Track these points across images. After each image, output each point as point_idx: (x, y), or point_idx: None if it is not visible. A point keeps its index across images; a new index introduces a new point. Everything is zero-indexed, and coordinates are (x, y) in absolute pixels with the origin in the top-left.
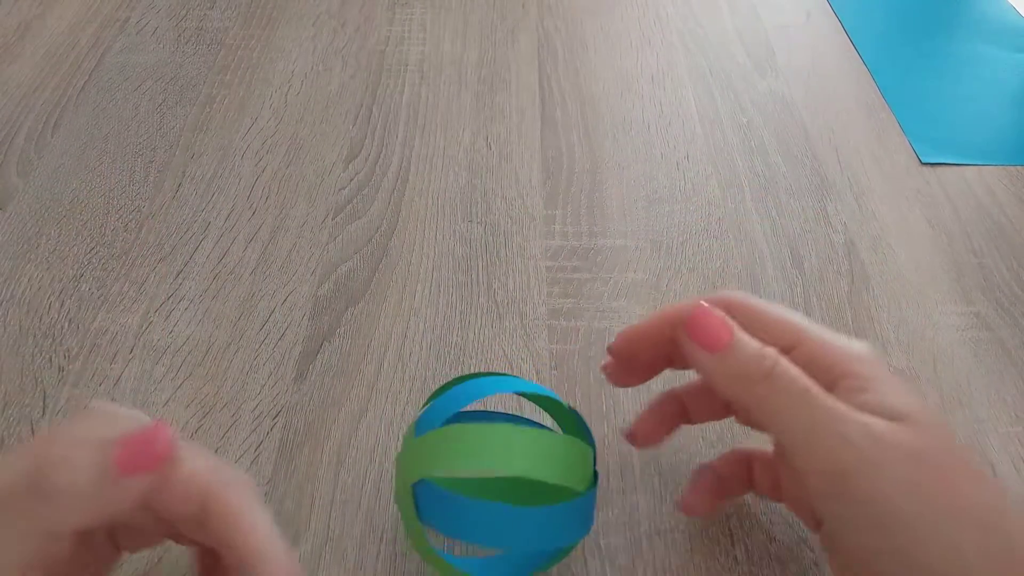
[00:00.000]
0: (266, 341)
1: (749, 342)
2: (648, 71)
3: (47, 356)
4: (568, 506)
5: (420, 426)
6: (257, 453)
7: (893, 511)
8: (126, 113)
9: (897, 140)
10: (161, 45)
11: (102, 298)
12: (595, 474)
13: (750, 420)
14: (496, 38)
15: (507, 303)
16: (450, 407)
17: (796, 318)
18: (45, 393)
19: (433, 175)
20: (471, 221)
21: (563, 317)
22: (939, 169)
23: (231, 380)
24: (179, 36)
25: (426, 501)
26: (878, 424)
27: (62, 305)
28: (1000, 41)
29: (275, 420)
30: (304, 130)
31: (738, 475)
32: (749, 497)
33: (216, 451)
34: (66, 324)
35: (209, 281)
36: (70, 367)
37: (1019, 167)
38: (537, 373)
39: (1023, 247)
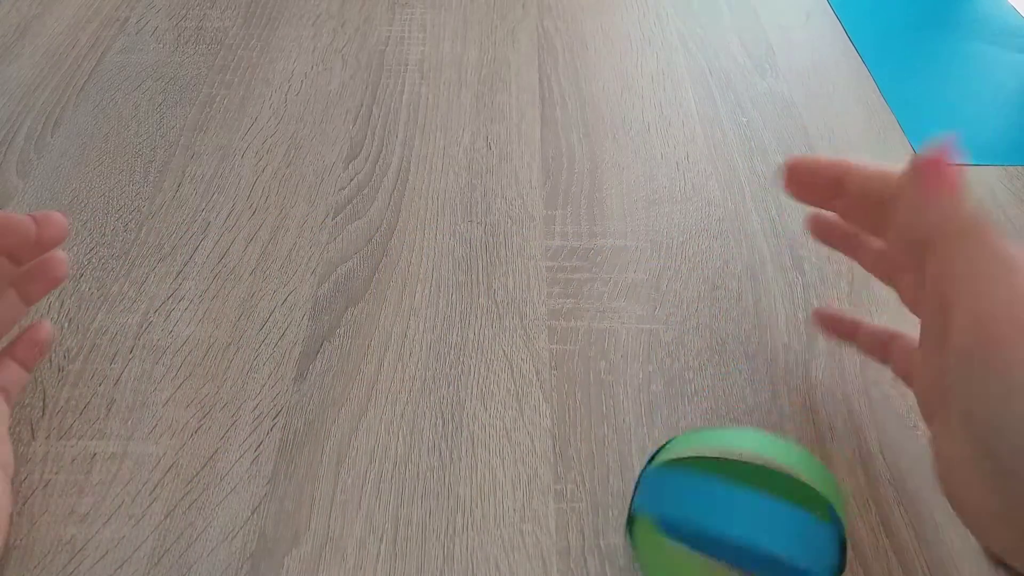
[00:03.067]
0: (266, 341)
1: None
2: (648, 71)
3: (47, 356)
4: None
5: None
6: (257, 453)
7: None
8: (126, 113)
9: (897, 140)
10: (161, 45)
11: (102, 298)
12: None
13: (919, 294)
14: (496, 38)
15: (507, 303)
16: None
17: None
18: (45, 393)
19: (433, 175)
20: (471, 221)
21: (563, 317)
22: None
23: (231, 380)
24: (179, 36)
25: (661, 478)
26: None
27: (62, 305)
28: (1000, 41)
29: (275, 420)
30: (304, 130)
31: (876, 344)
32: None
33: (216, 451)
34: (66, 324)
35: (209, 281)
36: (70, 367)
37: (1019, 167)
38: (537, 373)
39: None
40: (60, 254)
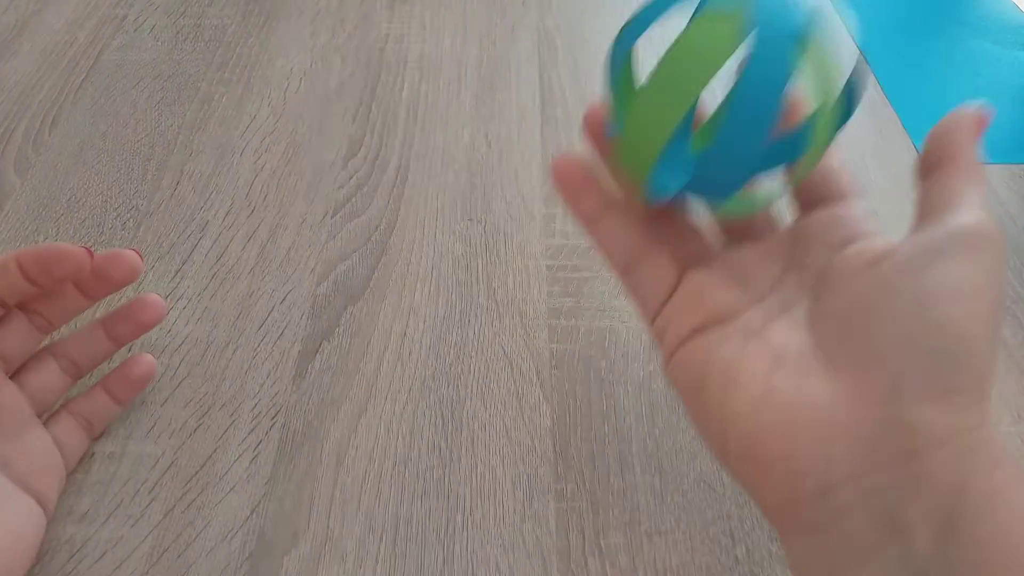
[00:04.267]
0: (265, 340)
1: None
2: (649, 68)
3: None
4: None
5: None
6: (256, 453)
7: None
8: (124, 111)
9: (899, 137)
10: (159, 42)
11: None
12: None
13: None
14: (496, 35)
15: (507, 302)
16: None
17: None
18: None
19: (433, 173)
20: (471, 220)
21: (563, 316)
22: None
23: (230, 379)
24: (177, 33)
25: None
26: None
27: None
28: (1002, 38)
29: (274, 420)
30: (303, 128)
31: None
32: (750, 498)
33: (215, 451)
34: None
35: (207, 280)
36: None
37: (1021, 165)
38: (537, 372)
39: None
40: (153, 297)
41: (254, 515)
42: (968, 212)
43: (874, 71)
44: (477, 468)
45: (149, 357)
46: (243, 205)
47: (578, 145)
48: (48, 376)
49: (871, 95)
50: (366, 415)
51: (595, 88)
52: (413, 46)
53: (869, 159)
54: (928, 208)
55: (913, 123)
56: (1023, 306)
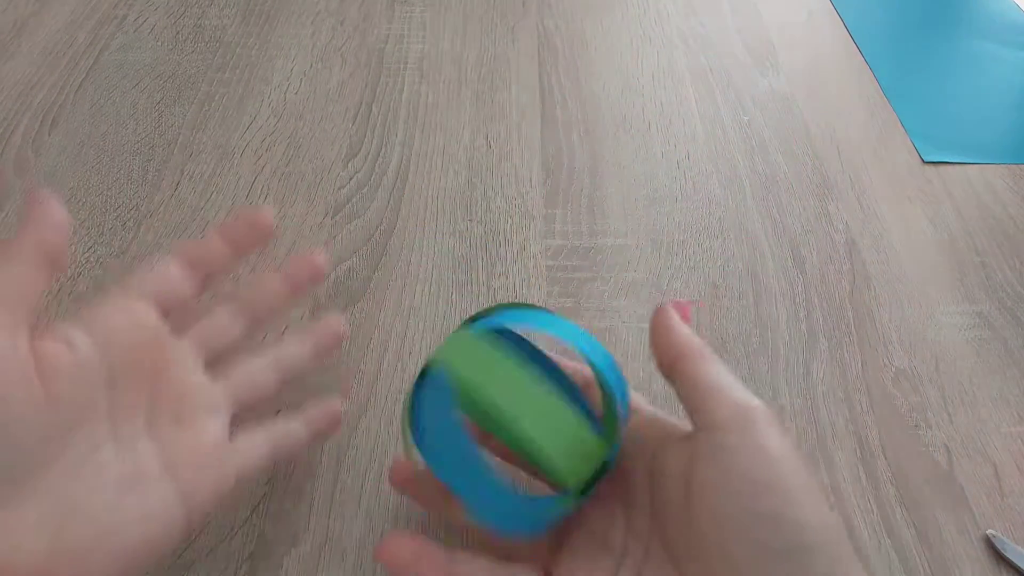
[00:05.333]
0: (265, 340)
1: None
2: (649, 69)
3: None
4: (545, 503)
5: (477, 325)
6: None
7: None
8: (124, 111)
9: (899, 138)
10: (159, 43)
11: (99, 297)
12: (592, 482)
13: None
14: (496, 36)
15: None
16: (515, 319)
17: None
18: None
19: (433, 174)
20: (471, 220)
21: (564, 316)
22: (941, 168)
23: None
24: (177, 34)
25: (430, 409)
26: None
27: (59, 305)
28: (1003, 39)
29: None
30: (303, 128)
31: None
32: None
33: None
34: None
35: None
36: None
37: (1022, 165)
38: None
39: None
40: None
41: (254, 515)
42: (730, 400)
43: (874, 72)
44: None
45: (338, 404)
46: (243, 206)
47: (577, 146)
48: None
49: (871, 96)
50: (366, 415)
51: (594, 88)
52: (413, 46)
53: (869, 161)
54: (693, 405)
55: (913, 124)
56: (1023, 306)
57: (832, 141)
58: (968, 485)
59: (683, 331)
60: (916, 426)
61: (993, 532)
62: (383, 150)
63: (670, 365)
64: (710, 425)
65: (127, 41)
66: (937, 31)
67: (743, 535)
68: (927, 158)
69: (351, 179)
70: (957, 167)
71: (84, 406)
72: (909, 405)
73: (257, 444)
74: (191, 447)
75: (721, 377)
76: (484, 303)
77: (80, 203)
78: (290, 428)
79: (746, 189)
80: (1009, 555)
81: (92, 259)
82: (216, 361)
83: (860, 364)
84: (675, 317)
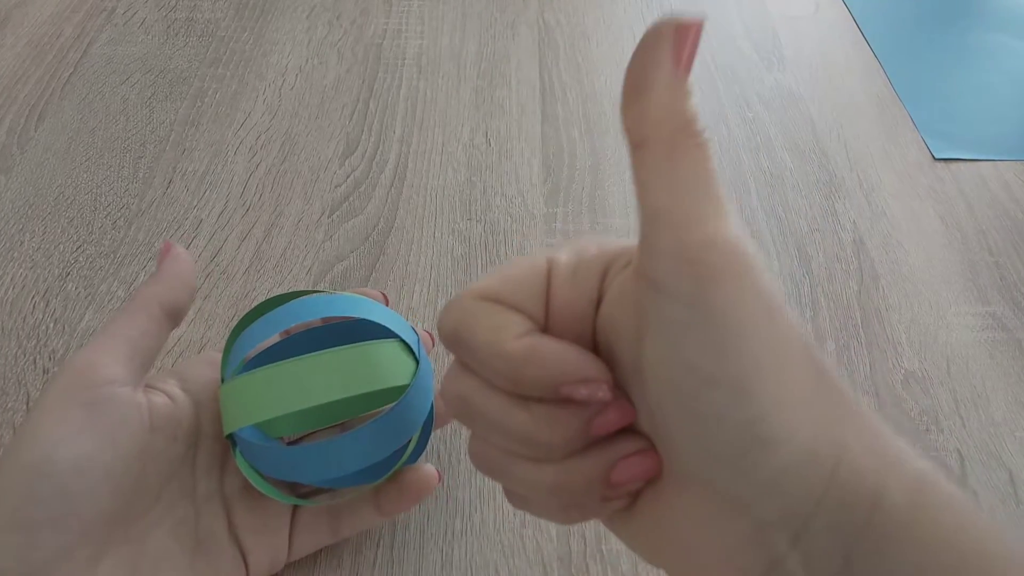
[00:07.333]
0: None
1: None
2: None
3: (31, 358)
4: (386, 415)
5: (225, 369)
6: None
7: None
8: (114, 107)
9: (909, 135)
10: (150, 36)
11: (89, 297)
12: (417, 362)
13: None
14: (495, 31)
15: None
16: (247, 347)
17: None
18: (29, 396)
19: (431, 172)
20: (470, 219)
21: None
22: (953, 165)
23: None
24: (168, 27)
25: (247, 449)
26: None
27: (47, 305)
28: (1015, 31)
29: None
30: (299, 125)
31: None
32: None
33: None
34: (51, 324)
35: (201, 280)
36: (55, 369)
37: None
38: None
39: None
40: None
41: None
42: (689, 242)
43: (883, 66)
44: (476, 472)
45: (430, 468)
46: (238, 204)
47: (578, 143)
48: None
49: (880, 91)
50: None
51: (596, 84)
52: (411, 42)
53: (878, 158)
54: (641, 231)
55: (924, 120)
56: None
57: (840, 138)
58: (982, 491)
59: (666, 91)
60: (927, 430)
61: None
62: (381, 147)
63: (637, 145)
64: (653, 280)
65: (116, 34)
66: (948, 24)
67: (698, 442)
68: (938, 155)
69: (348, 177)
70: (969, 164)
71: (179, 459)
72: (920, 408)
73: (320, 522)
74: (256, 512)
75: (688, 196)
76: None
77: (69, 201)
78: (355, 509)
79: (751, 187)
80: None
81: (82, 259)
82: None
83: (868, 366)
84: (667, 56)
